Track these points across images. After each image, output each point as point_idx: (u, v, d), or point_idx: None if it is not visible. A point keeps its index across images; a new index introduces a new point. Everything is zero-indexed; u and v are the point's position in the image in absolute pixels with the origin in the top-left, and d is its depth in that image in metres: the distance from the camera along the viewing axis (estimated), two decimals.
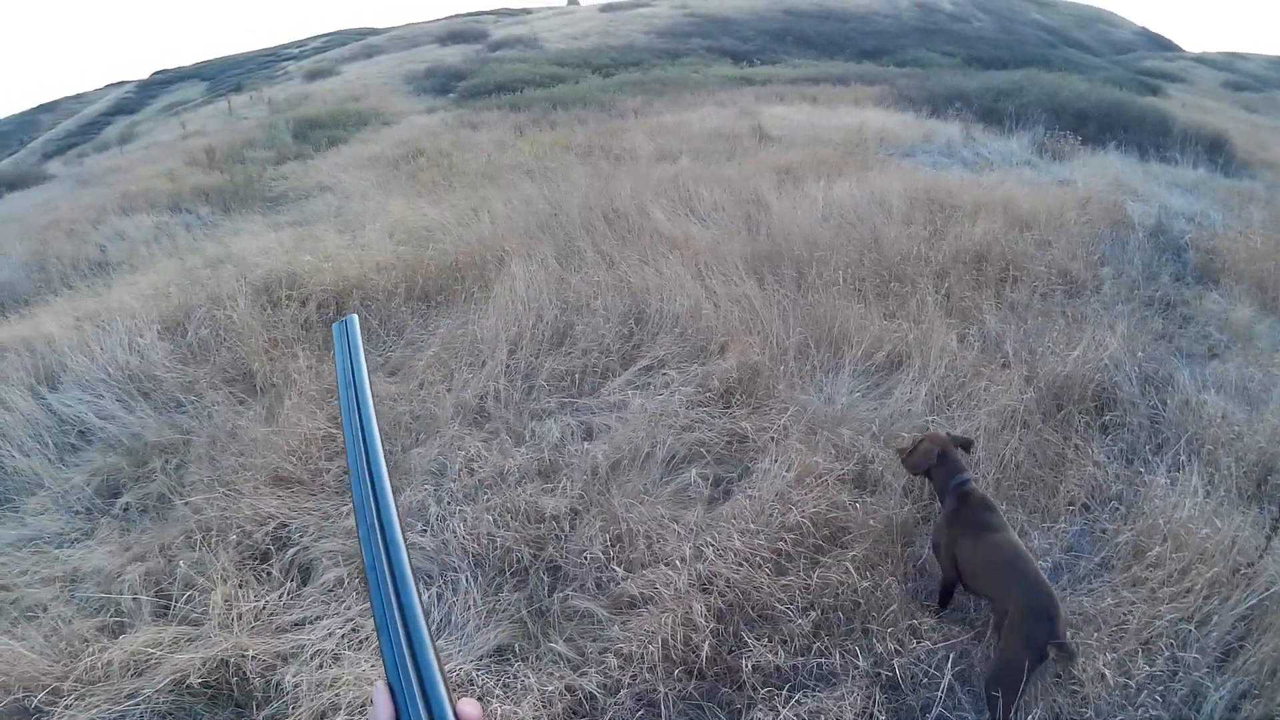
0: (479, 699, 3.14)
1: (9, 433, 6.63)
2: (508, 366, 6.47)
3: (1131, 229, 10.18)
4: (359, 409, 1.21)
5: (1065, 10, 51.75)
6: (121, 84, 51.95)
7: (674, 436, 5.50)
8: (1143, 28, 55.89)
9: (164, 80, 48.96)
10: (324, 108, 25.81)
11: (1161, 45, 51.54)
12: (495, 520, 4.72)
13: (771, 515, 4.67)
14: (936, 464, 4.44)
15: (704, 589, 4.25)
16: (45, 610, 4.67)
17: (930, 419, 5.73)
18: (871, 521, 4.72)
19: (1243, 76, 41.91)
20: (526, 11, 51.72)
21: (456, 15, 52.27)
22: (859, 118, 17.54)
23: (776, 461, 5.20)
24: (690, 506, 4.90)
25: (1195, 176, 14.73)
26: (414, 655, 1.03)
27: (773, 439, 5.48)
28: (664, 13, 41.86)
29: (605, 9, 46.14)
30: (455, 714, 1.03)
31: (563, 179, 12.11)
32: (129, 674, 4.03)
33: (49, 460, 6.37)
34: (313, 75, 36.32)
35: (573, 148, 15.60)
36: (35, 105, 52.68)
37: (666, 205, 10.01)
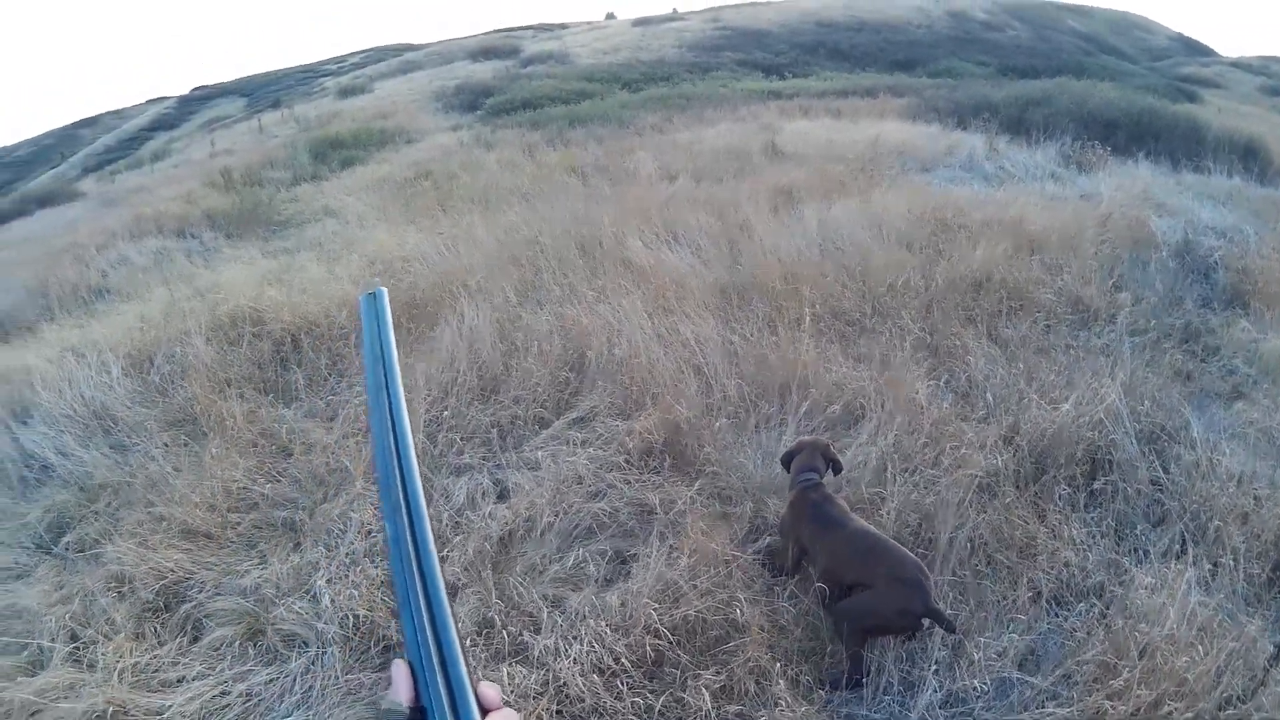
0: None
1: None
2: (433, 417, 6.25)
3: (1155, 248, 9.52)
4: (387, 383, 1.20)
5: (1101, 17, 50.73)
6: (162, 99, 52.74)
7: (581, 504, 5.15)
8: (1178, 33, 54.76)
9: (204, 96, 49.58)
10: (350, 126, 25.89)
11: (1197, 50, 50.51)
12: (363, 594, 4.53)
13: (638, 616, 4.19)
14: (790, 460, 4.81)
15: (560, 693, 3.90)
16: None
17: (877, 491, 5.12)
18: (780, 623, 4.32)
19: None
20: (562, 26, 51.69)
21: (495, 31, 52.49)
22: (879, 131, 17.11)
23: (668, 544, 4.75)
24: (581, 588, 4.55)
25: (1228, 186, 13.98)
26: (436, 633, 1.03)
27: (683, 511, 5.01)
28: (695, 26, 41.70)
29: (638, 23, 46.03)
30: (476, 695, 1.02)
31: (554, 203, 11.97)
32: (26, 714, 4.10)
33: (10, 495, 6.49)
34: (346, 92, 36.52)
35: (578, 168, 15.44)
36: (76, 120, 53.59)
37: (649, 231, 9.73)
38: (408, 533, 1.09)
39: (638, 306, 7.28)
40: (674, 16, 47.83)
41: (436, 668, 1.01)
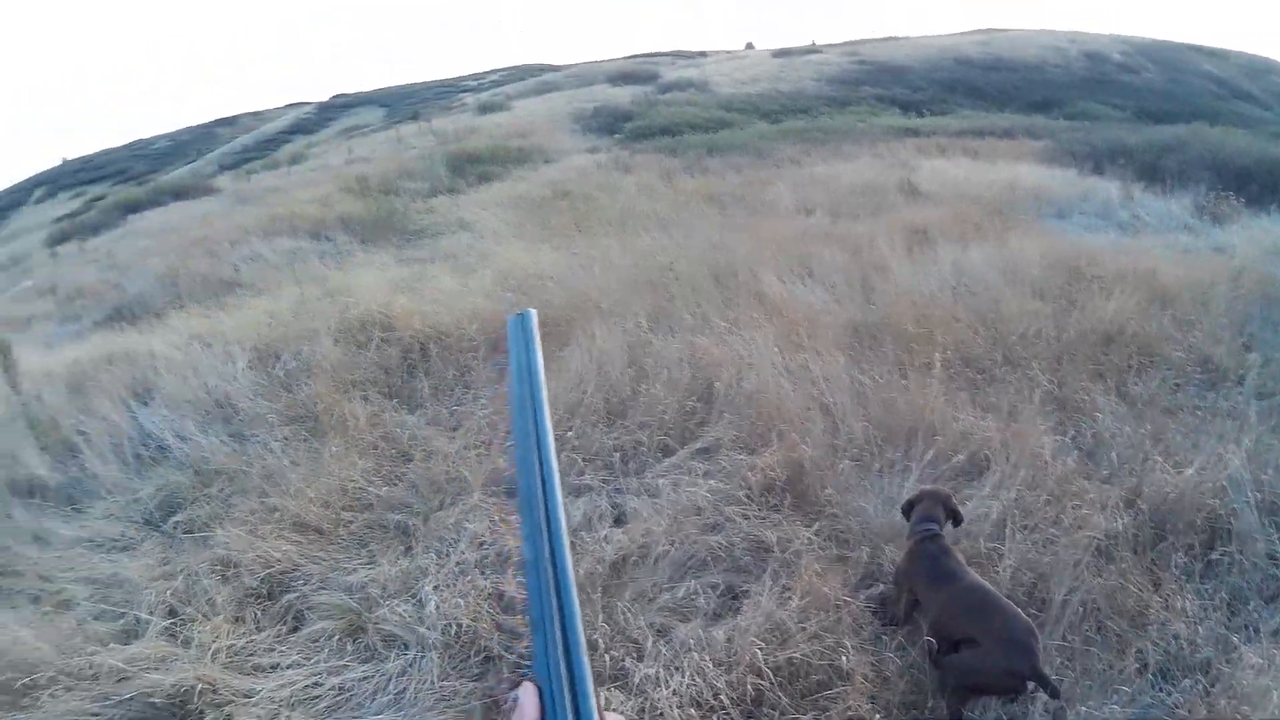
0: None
1: (95, 440, 7.10)
2: (557, 436, 6.04)
3: None
4: (533, 404, 1.19)
5: (1235, 61, 48.39)
6: (301, 105, 54.50)
7: (697, 535, 5.10)
8: None
9: (343, 104, 51.10)
10: (488, 142, 26.35)
11: None
12: (469, 604, 4.57)
13: (742, 654, 4.13)
14: (911, 509, 4.69)
15: None
16: (76, 607, 5.05)
17: (994, 546, 4.96)
18: (885, 673, 4.17)
19: None
20: (702, 54, 52.14)
21: (634, 55, 53.07)
22: (1015, 173, 16.96)
23: (781, 584, 4.70)
24: (689, 619, 4.50)
25: None
26: (568, 659, 1.01)
27: (799, 552, 4.94)
28: (834, 60, 41.42)
29: (778, 54, 45.83)
30: None
31: (690, 231, 12.07)
32: (114, 680, 4.26)
33: (125, 470, 6.80)
34: (485, 108, 37.17)
35: (715, 197, 15.55)
36: (214, 119, 55.68)
37: (784, 265, 9.72)
38: (548, 555, 1.07)
39: (769, 340, 7.22)
40: (813, 49, 47.63)
41: (566, 694, 0.98)
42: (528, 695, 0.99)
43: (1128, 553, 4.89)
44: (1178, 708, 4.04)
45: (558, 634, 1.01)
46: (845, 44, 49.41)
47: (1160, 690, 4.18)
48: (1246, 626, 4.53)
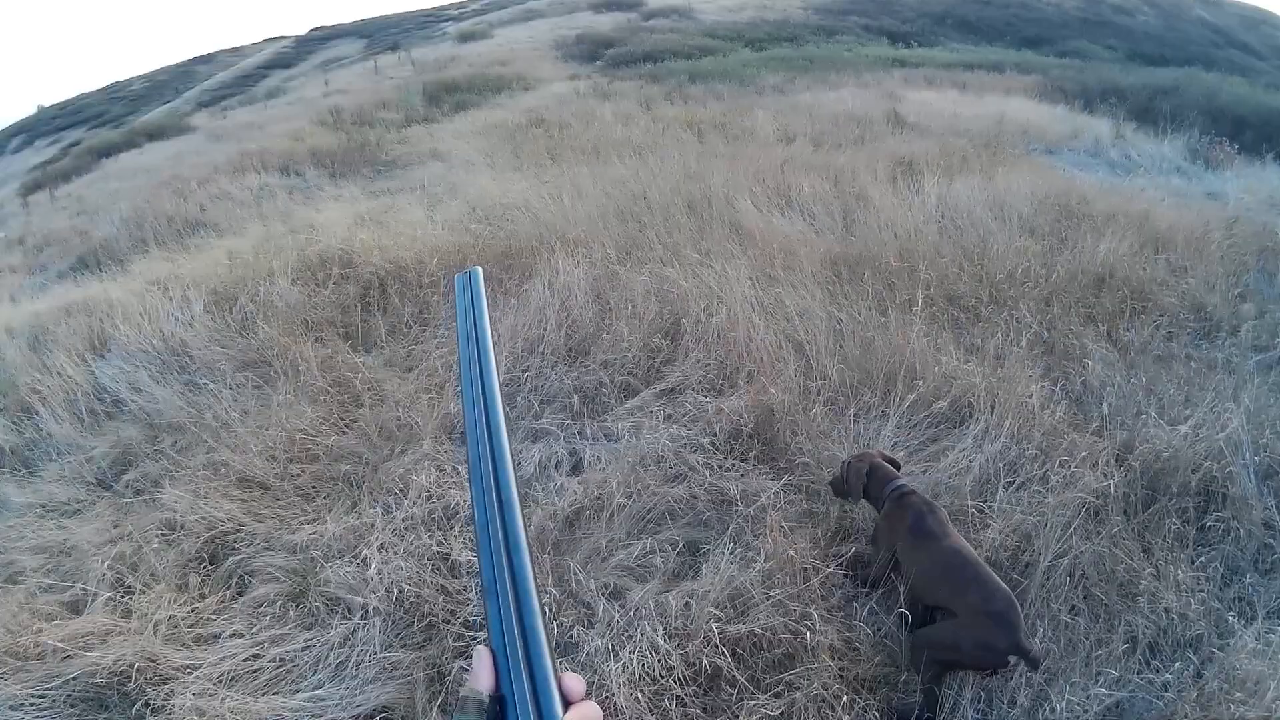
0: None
1: (50, 398, 6.83)
2: (514, 377, 6.00)
3: None
4: (480, 364, 1.21)
5: (1231, 10, 47.97)
6: (279, 39, 53.88)
7: (657, 486, 4.80)
8: None
9: (322, 37, 50.67)
10: (467, 71, 26.42)
11: None
12: (414, 567, 4.32)
13: (699, 625, 3.85)
14: (869, 480, 4.26)
15: (604, 702, 3.51)
16: (24, 580, 4.79)
17: (978, 504, 4.62)
18: (855, 644, 3.91)
19: None
20: None
21: None
22: (1004, 108, 16.89)
23: (745, 543, 4.41)
24: (645, 580, 4.23)
25: None
26: (521, 621, 1.03)
27: (765, 507, 4.63)
28: None
29: None
30: (559, 686, 1.01)
31: (667, 159, 11.74)
32: (58, 659, 4.05)
33: (80, 428, 6.53)
34: (466, 37, 37.04)
35: (694, 125, 15.28)
36: (192, 57, 55.05)
37: (761, 194, 9.43)
38: (498, 520, 1.08)
39: (742, 273, 6.96)
40: None
41: (520, 657, 1.00)
42: (481, 659, 1.01)
43: (1118, 515, 4.63)
44: (1166, 689, 3.76)
45: (510, 597, 1.03)
46: None
47: (1149, 670, 3.90)
48: (1241, 600, 4.30)
